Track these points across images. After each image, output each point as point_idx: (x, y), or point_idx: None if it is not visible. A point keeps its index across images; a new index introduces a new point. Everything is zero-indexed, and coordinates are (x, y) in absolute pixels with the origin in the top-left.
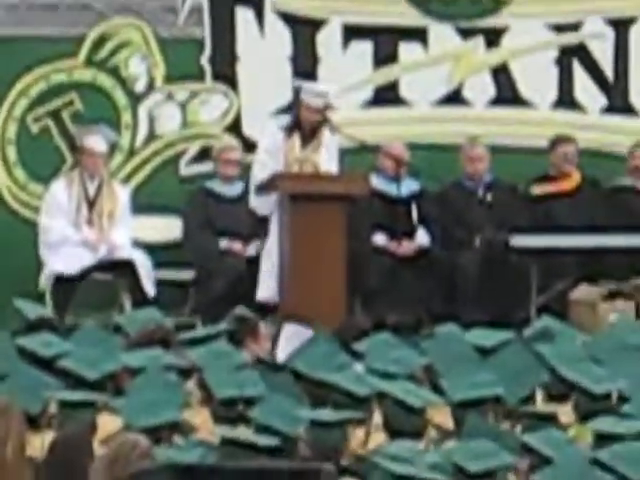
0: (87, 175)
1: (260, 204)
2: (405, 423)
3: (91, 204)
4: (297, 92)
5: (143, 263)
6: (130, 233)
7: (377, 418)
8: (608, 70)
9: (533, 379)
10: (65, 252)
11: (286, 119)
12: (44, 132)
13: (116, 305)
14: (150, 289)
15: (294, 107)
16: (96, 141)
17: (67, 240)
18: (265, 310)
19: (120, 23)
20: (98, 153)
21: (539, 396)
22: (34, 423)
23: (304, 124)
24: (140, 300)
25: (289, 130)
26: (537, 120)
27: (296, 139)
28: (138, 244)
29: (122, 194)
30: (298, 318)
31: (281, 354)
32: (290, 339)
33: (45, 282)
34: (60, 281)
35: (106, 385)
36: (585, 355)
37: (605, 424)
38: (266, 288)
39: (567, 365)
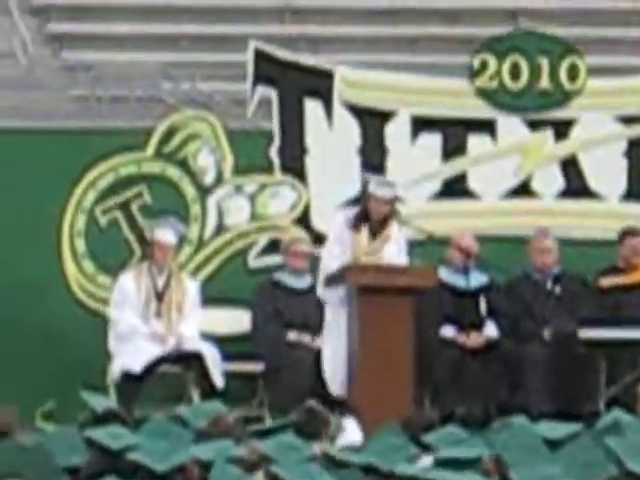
0: (156, 267)
1: (328, 295)
2: None
3: (160, 296)
4: (365, 184)
5: (212, 355)
6: (199, 325)
7: None
8: None
9: (602, 472)
10: (134, 345)
11: (354, 211)
12: (113, 224)
13: (184, 398)
14: (219, 381)
15: (362, 199)
16: (165, 234)
17: (136, 332)
18: (335, 403)
19: (189, 115)
20: (167, 245)
21: None
22: None
23: (373, 216)
24: (209, 392)
25: (357, 222)
26: (606, 212)
27: (364, 231)
28: (207, 336)
29: (191, 286)
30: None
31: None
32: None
33: (114, 375)
34: (129, 374)
35: (175, 477)
36: None
37: None
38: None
39: (635, 458)
